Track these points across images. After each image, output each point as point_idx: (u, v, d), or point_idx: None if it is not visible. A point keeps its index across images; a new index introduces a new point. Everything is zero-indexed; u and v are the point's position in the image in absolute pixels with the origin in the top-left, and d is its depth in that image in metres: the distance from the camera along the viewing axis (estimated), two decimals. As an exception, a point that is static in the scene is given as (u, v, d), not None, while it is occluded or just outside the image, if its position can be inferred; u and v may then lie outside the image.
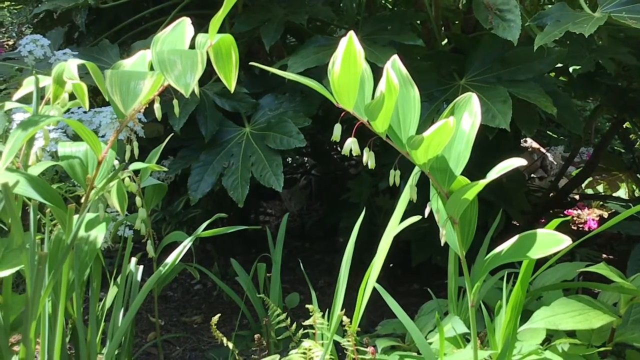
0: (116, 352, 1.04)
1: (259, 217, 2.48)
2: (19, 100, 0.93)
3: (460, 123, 0.88)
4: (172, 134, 1.29)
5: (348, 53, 0.79)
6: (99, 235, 0.88)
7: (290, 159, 2.57)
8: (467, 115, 0.88)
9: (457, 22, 1.79)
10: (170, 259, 1.13)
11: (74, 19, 1.73)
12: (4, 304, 0.85)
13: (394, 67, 0.87)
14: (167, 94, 1.15)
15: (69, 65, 0.79)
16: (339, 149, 2.48)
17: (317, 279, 1.96)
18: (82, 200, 0.88)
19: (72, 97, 0.90)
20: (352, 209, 1.83)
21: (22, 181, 0.79)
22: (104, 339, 1.15)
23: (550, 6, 1.40)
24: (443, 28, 1.72)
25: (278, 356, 0.81)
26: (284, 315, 1.16)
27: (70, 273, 0.87)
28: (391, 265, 1.89)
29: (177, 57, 0.76)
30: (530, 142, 2.73)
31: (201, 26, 1.10)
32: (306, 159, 2.75)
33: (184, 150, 1.57)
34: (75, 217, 0.85)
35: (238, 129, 1.56)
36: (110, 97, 0.77)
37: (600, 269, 1.07)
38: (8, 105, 0.85)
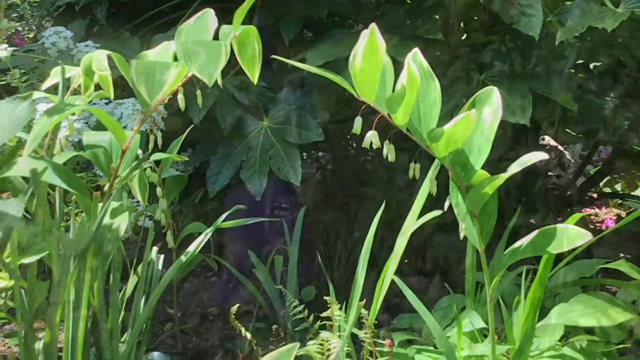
0: (137, 340, 1.05)
1: (273, 212, 2.49)
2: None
3: (481, 116, 0.88)
4: (192, 126, 1.30)
5: (370, 45, 0.79)
6: (122, 223, 0.90)
7: (305, 153, 2.58)
8: (488, 109, 0.88)
9: (476, 17, 1.78)
10: (191, 248, 1.14)
11: (95, 12, 1.75)
12: (28, 290, 0.86)
13: (415, 59, 0.87)
14: (185, 88, 1.16)
15: (99, 57, 0.81)
16: (354, 144, 2.48)
17: (332, 274, 1.96)
18: (105, 189, 0.89)
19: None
20: (368, 204, 1.83)
21: (48, 169, 0.81)
22: (123, 327, 1.16)
23: (571, 2, 1.39)
24: (462, 23, 1.71)
25: (298, 344, 0.82)
26: (301, 307, 1.16)
27: (93, 261, 0.88)
28: (405, 261, 1.88)
29: (201, 48, 0.77)
30: (547, 140, 2.71)
31: (221, 19, 1.11)
32: (321, 153, 2.75)
33: (202, 143, 1.58)
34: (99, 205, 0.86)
35: (256, 123, 1.57)
36: (136, 87, 0.78)
37: (621, 265, 1.06)
38: (35, 94, 0.86)
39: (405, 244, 1.08)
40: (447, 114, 1.37)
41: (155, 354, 1.26)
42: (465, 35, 1.69)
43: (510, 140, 1.39)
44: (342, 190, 3.09)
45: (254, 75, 0.86)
